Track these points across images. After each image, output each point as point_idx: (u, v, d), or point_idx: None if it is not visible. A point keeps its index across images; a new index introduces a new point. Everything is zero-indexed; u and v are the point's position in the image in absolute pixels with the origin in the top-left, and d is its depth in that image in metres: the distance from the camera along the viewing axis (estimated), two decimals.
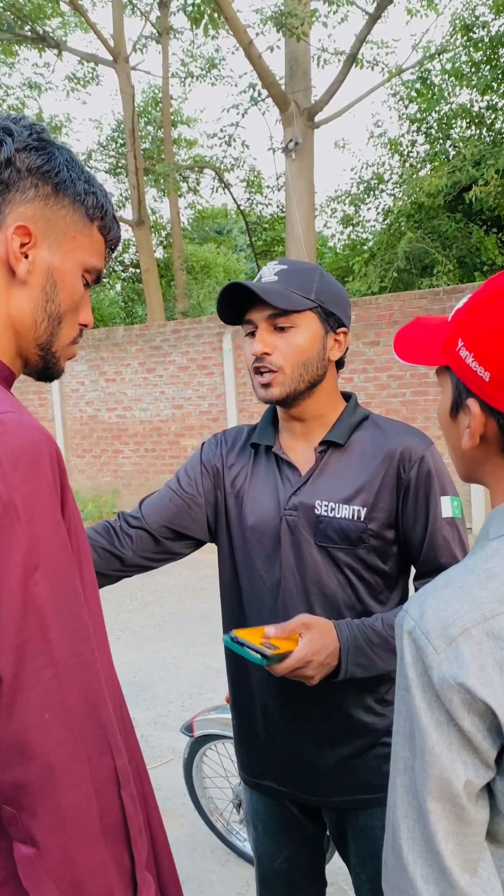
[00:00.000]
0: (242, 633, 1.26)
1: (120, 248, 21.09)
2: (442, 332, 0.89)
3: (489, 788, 0.76)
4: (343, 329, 1.43)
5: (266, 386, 1.38)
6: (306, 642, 1.24)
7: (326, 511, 1.37)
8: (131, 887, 0.81)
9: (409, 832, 0.75)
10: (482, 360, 0.80)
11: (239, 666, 1.51)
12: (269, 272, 1.39)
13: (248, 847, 2.70)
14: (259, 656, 1.20)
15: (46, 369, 1.00)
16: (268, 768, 1.51)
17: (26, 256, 0.91)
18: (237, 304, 1.40)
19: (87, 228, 0.97)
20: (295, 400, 1.41)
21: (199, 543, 1.56)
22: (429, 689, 0.73)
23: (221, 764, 2.74)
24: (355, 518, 1.36)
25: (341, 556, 1.37)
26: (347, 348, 1.45)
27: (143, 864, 0.82)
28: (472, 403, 0.83)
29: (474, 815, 0.74)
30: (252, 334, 1.40)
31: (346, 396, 1.51)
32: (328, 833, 1.61)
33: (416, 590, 1.28)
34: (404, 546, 1.41)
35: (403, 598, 1.46)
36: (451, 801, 0.73)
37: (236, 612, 1.50)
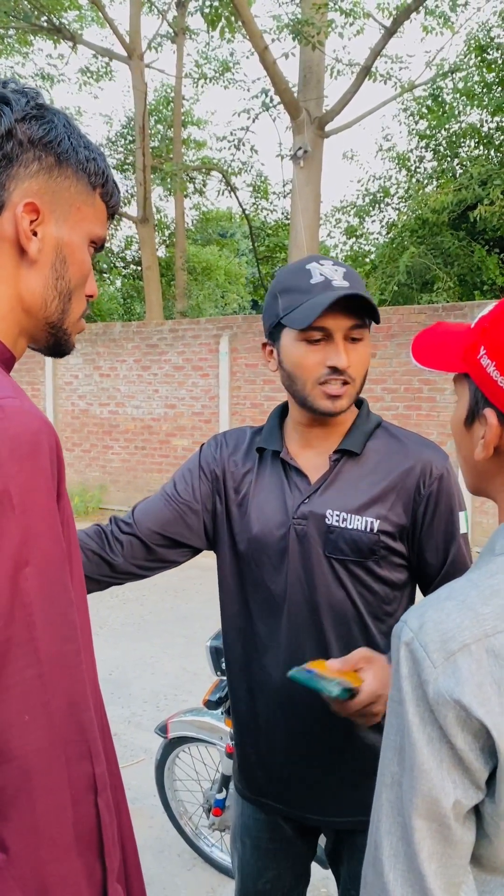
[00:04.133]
0: (313, 666, 1.17)
1: (122, 244, 20.70)
2: (463, 338, 0.87)
3: (477, 811, 0.74)
4: None
5: (336, 398, 1.30)
6: (374, 676, 1.16)
7: (338, 521, 1.32)
8: None
9: (391, 849, 0.73)
10: None
11: (240, 679, 1.45)
12: (335, 275, 1.29)
13: (215, 852, 2.67)
14: (343, 689, 1.12)
15: (58, 345, 0.96)
16: (269, 785, 1.45)
17: (35, 234, 0.87)
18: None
19: (90, 197, 0.93)
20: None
21: (195, 551, 1.49)
22: (423, 704, 0.71)
23: (194, 767, 2.71)
24: (368, 530, 1.31)
25: (351, 567, 1.32)
26: None
27: (115, 875, 0.79)
28: (490, 414, 0.81)
29: (461, 836, 0.71)
30: (315, 342, 1.28)
31: (357, 402, 1.46)
32: (316, 853, 1.57)
33: None
34: (416, 560, 1.36)
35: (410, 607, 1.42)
36: (437, 820, 0.70)
37: (240, 620, 1.44)
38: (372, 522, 1.31)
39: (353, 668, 1.18)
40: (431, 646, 0.72)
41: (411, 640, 0.74)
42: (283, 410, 1.48)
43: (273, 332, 1.36)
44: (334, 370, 1.28)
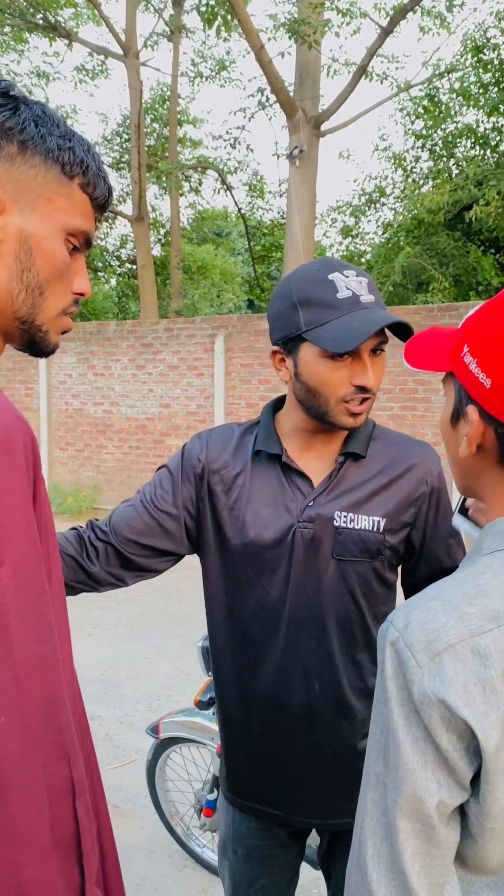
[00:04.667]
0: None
1: (117, 242, 20.55)
2: (451, 339, 0.88)
3: (461, 811, 0.73)
4: None
5: (358, 415, 1.28)
6: None
7: (346, 522, 1.31)
8: None
9: (375, 850, 0.72)
10: (485, 366, 0.78)
11: (231, 685, 1.42)
12: (361, 288, 1.24)
13: (206, 853, 2.66)
14: None
15: (34, 344, 0.92)
16: (261, 791, 1.42)
17: None
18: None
19: (65, 188, 0.87)
20: None
21: (178, 558, 1.45)
22: (408, 704, 0.71)
23: (185, 768, 2.71)
24: (375, 529, 1.31)
25: (358, 568, 1.32)
26: None
27: (94, 879, 0.77)
28: (472, 410, 0.81)
29: (444, 836, 0.71)
30: (340, 359, 1.24)
31: None
32: (305, 854, 1.57)
33: None
34: (419, 558, 1.38)
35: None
36: (421, 820, 0.70)
37: (231, 626, 1.40)
38: (378, 521, 1.32)
39: None
40: (417, 646, 0.71)
41: (396, 640, 0.73)
42: (273, 409, 1.44)
43: (289, 343, 1.29)
44: (360, 389, 1.26)
